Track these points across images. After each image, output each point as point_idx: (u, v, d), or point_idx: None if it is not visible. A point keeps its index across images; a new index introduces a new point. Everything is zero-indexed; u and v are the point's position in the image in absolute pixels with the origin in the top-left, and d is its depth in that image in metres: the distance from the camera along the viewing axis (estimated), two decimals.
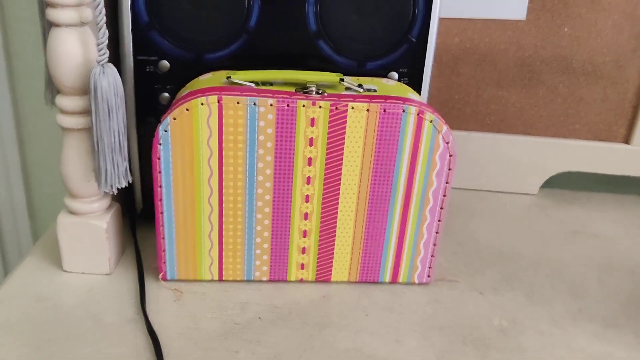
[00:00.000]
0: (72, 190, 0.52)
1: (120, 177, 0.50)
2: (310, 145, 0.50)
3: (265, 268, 0.55)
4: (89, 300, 0.52)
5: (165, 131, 0.48)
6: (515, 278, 0.60)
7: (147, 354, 0.46)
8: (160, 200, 0.51)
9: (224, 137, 0.49)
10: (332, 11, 0.54)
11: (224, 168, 0.50)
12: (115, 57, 0.55)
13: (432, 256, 0.55)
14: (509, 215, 0.74)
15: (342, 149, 0.50)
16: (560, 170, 0.78)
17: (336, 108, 0.49)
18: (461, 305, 0.55)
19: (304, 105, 0.48)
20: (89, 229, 0.53)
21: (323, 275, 0.56)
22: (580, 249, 0.67)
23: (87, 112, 0.49)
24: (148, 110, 0.57)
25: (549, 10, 0.71)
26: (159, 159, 0.49)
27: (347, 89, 0.51)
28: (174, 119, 0.48)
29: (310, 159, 0.50)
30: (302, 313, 0.52)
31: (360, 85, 0.51)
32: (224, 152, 0.49)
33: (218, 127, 0.48)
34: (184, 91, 0.52)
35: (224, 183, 0.51)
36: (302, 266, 0.55)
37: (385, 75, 0.57)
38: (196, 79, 0.54)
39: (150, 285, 0.54)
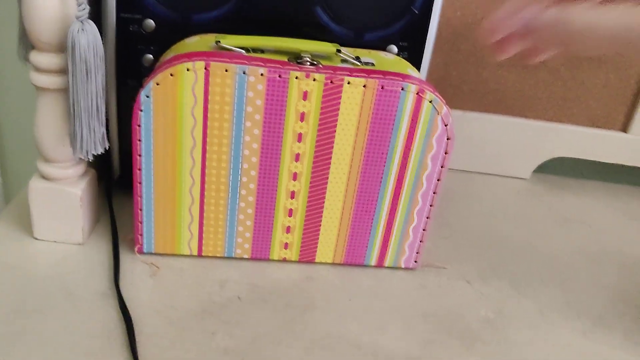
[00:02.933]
0: (46, 154, 0.49)
1: (96, 143, 0.47)
2: (302, 120, 0.47)
3: (247, 245, 0.52)
4: (60, 271, 0.49)
5: (147, 97, 0.45)
6: (503, 267, 0.59)
7: (119, 332, 0.44)
8: (139, 169, 0.48)
9: (209, 106, 0.46)
10: None
11: (208, 140, 0.47)
12: (97, 14, 0.51)
13: (420, 241, 0.53)
14: (500, 199, 0.72)
15: (335, 126, 0.47)
16: (554, 156, 0.76)
17: (331, 82, 0.46)
18: (447, 294, 0.53)
19: (297, 77, 0.45)
20: (62, 195, 0.50)
21: (307, 256, 0.53)
22: (570, 238, 0.66)
23: (63, 71, 0.46)
24: (129, 72, 0.53)
25: None
26: (139, 126, 0.46)
27: (344, 61, 0.48)
28: (157, 84, 0.45)
29: (300, 134, 0.47)
30: (283, 294, 0.50)
31: (357, 58, 0.48)
32: (208, 123, 0.46)
33: (204, 95, 0.45)
34: (169, 54, 0.49)
35: (207, 155, 0.48)
36: (286, 245, 0.53)
37: (383, 48, 0.54)
38: (182, 41, 0.51)
39: (125, 257, 0.52)
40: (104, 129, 0.47)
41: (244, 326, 0.46)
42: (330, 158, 0.49)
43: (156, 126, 0.46)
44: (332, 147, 0.48)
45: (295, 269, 0.54)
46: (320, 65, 0.46)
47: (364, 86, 0.46)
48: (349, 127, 0.47)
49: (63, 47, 0.45)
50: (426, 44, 0.54)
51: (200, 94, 0.45)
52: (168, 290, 0.49)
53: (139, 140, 0.47)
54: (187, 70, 0.44)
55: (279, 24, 0.53)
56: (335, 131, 0.47)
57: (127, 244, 0.53)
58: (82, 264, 0.50)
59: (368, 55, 0.51)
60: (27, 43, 0.48)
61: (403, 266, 0.55)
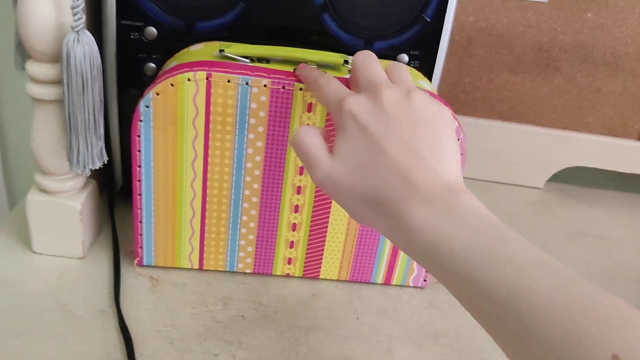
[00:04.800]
0: (43, 167, 0.47)
1: (94, 157, 0.45)
2: None
3: (249, 260, 0.51)
4: (59, 287, 0.48)
5: (147, 107, 0.43)
6: None
7: (118, 354, 0.42)
8: (139, 181, 0.46)
9: (211, 117, 0.44)
10: None
11: (209, 152, 0.45)
12: (97, 21, 0.50)
13: None
14: (512, 210, 0.70)
15: None
16: (569, 165, 0.73)
17: None
18: (459, 313, 0.51)
19: (301, 89, 0.43)
20: (61, 209, 0.49)
21: (311, 272, 0.52)
22: (585, 252, 0.63)
23: (60, 81, 0.44)
24: (131, 80, 0.51)
25: None
26: (138, 136, 0.44)
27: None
28: (157, 94, 0.43)
29: None
30: (288, 313, 0.48)
31: None
32: (210, 135, 0.45)
33: (205, 106, 0.44)
34: (172, 62, 0.47)
35: (209, 167, 0.46)
36: (289, 261, 0.51)
37: (394, 57, 0.52)
38: (186, 49, 0.49)
39: (126, 272, 0.50)
40: (102, 143, 0.46)
41: (247, 347, 0.44)
42: None
43: (156, 137, 0.44)
44: None
45: (300, 285, 0.52)
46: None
47: None
48: None
49: (59, 57, 0.43)
50: (438, 52, 0.52)
51: (202, 104, 0.43)
52: (170, 308, 0.47)
53: (139, 151, 0.45)
54: (188, 80, 0.43)
55: (285, 32, 0.51)
56: None
57: (128, 257, 0.52)
58: (82, 280, 0.49)
59: None
60: (23, 52, 0.46)
61: (412, 285, 0.53)
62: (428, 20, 0.51)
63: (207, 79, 0.43)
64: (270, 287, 0.51)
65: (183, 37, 0.50)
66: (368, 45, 0.51)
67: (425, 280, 0.53)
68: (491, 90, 0.71)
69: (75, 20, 0.41)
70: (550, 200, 0.74)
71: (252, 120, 0.44)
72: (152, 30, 0.50)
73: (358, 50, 0.51)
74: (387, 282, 0.53)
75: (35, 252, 0.51)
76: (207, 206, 0.48)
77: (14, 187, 0.91)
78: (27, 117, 0.83)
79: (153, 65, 0.51)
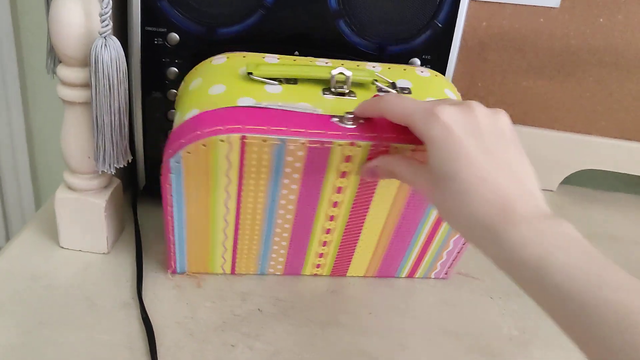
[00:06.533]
0: (72, 165, 0.50)
1: (119, 156, 0.48)
2: (342, 177, 0.45)
3: (280, 267, 0.52)
4: (84, 281, 0.50)
5: (177, 163, 0.42)
6: None
7: (140, 343, 0.44)
8: (171, 216, 0.46)
9: (245, 169, 0.43)
10: None
11: (242, 194, 0.45)
12: (123, 27, 0.52)
13: (453, 260, 0.53)
14: None
15: (375, 187, 0.46)
16: (581, 168, 0.74)
17: (376, 148, 0.42)
18: (470, 309, 0.53)
19: (340, 145, 0.41)
20: (87, 206, 0.51)
21: (338, 273, 0.54)
22: None
23: (89, 85, 0.46)
24: (154, 84, 0.54)
25: None
26: (169, 185, 0.43)
27: (380, 90, 0.46)
28: (188, 152, 0.41)
29: (340, 188, 0.45)
30: (305, 308, 0.50)
31: (393, 85, 0.46)
32: (244, 181, 0.44)
33: (239, 161, 0.42)
34: (195, 78, 0.46)
35: (241, 205, 0.46)
36: (318, 265, 0.53)
37: (406, 60, 0.54)
38: (208, 60, 0.48)
39: (148, 267, 0.52)
40: (126, 143, 0.48)
41: (264, 340, 0.46)
42: (369, 206, 0.47)
43: (187, 184, 0.44)
44: (372, 197, 0.47)
45: (317, 282, 0.53)
46: (362, 121, 0.42)
47: (412, 150, 0.42)
48: (389, 184, 0.46)
49: (88, 61, 0.45)
50: (450, 56, 0.54)
51: (236, 159, 0.42)
52: (189, 302, 0.49)
53: (170, 196, 0.44)
54: (221, 141, 0.40)
55: (301, 37, 0.53)
56: (375, 189, 0.46)
57: (150, 253, 0.54)
58: (106, 274, 0.51)
59: (403, 75, 0.48)
60: (54, 57, 0.49)
61: (433, 277, 0.55)
62: (440, 25, 0.52)
63: (241, 140, 0.40)
64: (288, 283, 0.53)
65: (204, 42, 0.52)
66: (381, 50, 0.53)
67: (446, 274, 0.55)
68: (504, 95, 0.72)
69: (103, 27, 0.43)
70: (564, 202, 0.75)
71: (288, 170, 0.43)
72: (175, 36, 0.52)
73: (371, 54, 0.53)
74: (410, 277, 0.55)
75: (62, 247, 0.53)
76: (239, 232, 0.48)
77: (40, 187, 0.94)
78: (53, 122, 0.87)
79: (175, 69, 0.53)
